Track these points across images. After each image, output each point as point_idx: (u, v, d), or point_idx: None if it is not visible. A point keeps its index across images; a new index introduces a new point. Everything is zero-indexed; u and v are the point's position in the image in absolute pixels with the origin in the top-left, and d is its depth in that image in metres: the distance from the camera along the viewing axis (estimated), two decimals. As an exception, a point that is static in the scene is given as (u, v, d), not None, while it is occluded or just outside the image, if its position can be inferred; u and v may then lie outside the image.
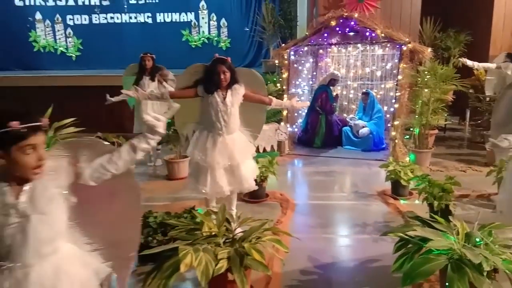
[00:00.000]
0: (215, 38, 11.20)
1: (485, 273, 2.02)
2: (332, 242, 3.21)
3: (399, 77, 5.09)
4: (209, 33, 11.24)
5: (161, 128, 1.73)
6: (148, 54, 5.39)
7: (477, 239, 2.26)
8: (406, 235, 2.32)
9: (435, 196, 3.12)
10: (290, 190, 4.41)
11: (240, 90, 2.96)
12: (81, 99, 7.17)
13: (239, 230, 2.52)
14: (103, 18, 11.29)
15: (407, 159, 4.90)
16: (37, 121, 1.39)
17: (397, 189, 3.91)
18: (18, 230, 1.39)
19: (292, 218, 3.58)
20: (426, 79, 4.86)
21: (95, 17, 11.27)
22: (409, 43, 4.95)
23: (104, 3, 11.19)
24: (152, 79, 5.28)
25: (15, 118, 1.33)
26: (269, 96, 3.22)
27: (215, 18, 11.18)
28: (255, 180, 3.64)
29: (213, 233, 2.39)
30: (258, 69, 8.38)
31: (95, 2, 11.19)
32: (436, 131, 5.74)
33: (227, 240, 2.40)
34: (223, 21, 11.16)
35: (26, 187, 1.42)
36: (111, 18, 11.25)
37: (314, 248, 3.02)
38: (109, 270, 1.69)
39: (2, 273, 1.40)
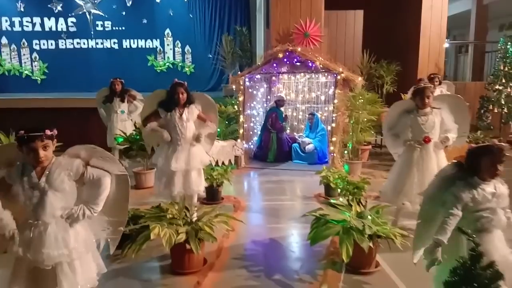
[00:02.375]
0: (180, 64, 12.17)
1: (366, 235, 3.00)
2: (272, 229, 4.12)
3: (335, 101, 6.22)
4: (174, 59, 12.20)
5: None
6: (118, 79, 6.26)
7: (368, 216, 3.27)
8: (319, 214, 3.29)
9: (350, 191, 4.14)
10: (244, 195, 5.34)
11: (194, 109, 3.88)
12: (53, 120, 7.79)
13: (195, 216, 3.39)
14: (70, 43, 11.99)
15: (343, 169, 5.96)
16: (37, 133, 2.14)
17: (328, 191, 4.91)
18: (39, 199, 2.20)
19: (242, 214, 4.49)
20: (357, 103, 6.00)
21: (62, 42, 11.96)
22: (342, 73, 6.11)
23: (71, 29, 11.94)
24: (122, 100, 6.13)
25: (23, 129, 2.15)
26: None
27: (179, 45, 12.18)
28: (212, 185, 4.57)
29: (175, 217, 3.25)
30: (219, 93, 9.42)
31: (62, 28, 11.91)
32: (370, 146, 6.89)
33: (185, 223, 3.26)
34: (187, 47, 12.18)
35: (46, 172, 2.25)
36: (78, 43, 11.98)
37: (257, 233, 3.95)
38: (104, 235, 2.49)
39: (30, 226, 2.21)
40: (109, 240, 2.52)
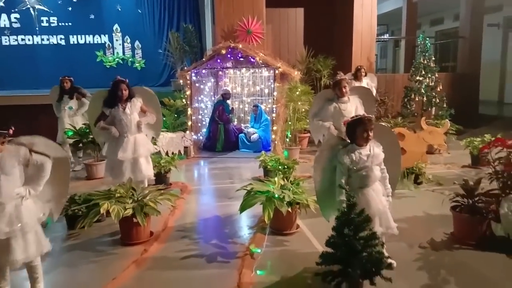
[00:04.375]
0: (130, 59, 12.44)
1: (285, 202, 3.70)
2: (214, 207, 4.76)
3: (275, 93, 6.94)
4: (123, 54, 12.44)
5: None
6: (66, 77, 6.61)
7: (289, 187, 3.98)
8: (249, 189, 3.96)
9: (281, 171, 4.86)
10: (191, 180, 5.95)
11: (137, 102, 4.42)
12: (0, 118, 7.97)
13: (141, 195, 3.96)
14: (14, 40, 11.92)
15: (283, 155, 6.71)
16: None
17: (267, 173, 5.60)
18: None
19: (188, 196, 5.09)
20: (294, 95, 6.75)
21: (5, 39, 11.86)
22: (279, 67, 6.83)
23: (15, 25, 11.87)
24: (71, 97, 6.50)
25: None
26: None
27: (129, 40, 12.45)
28: (160, 172, 5.14)
29: (123, 195, 3.80)
30: (169, 87, 9.89)
31: (5, 24, 11.81)
32: (308, 134, 7.70)
33: (133, 201, 3.81)
34: (137, 43, 12.47)
35: None
36: (22, 39, 11.94)
37: (199, 210, 4.60)
38: (49, 207, 2.96)
39: None
40: (52, 209, 2.92)
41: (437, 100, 7.94)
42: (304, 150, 7.40)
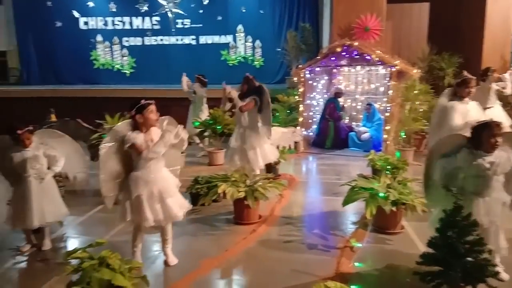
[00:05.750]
0: (250, 58, 13.28)
1: (389, 201, 3.73)
2: (319, 199, 4.99)
3: (390, 92, 6.81)
4: (245, 53, 13.35)
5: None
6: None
7: (395, 187, 3.99)
8: (353, 185, 4.09)
9: (389, 171, 4.84)
10: (299, 173, 6.27)
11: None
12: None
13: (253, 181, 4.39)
14: (154, 40, 13.72)
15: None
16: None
17: (375, 172, 5.58)
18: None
19: (294, 187, 5.41)
20: (410, 94, 6.54)
21: (147, 39, 13.73)
22: (397, 65, 6.67)
23: (155, 27, 13.66)
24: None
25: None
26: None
27: (250, 39, 13.29)
28: (270, 163, 5.54)
29: (237, 180, 4.27)
30: (284, 85, 10.33)
31: (147, 26, 13.67)
32: (426, 136, 7.32)
33: (245, 186, 4.26)
34: (257, 42, 13.24)
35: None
36: (161, 40, 13.67)
37: (305, 201, 4.88)
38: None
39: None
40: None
41: None
42: (419, 152, 7.10)
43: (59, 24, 13.86)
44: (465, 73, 4.65)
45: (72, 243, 3.82)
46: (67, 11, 13.76)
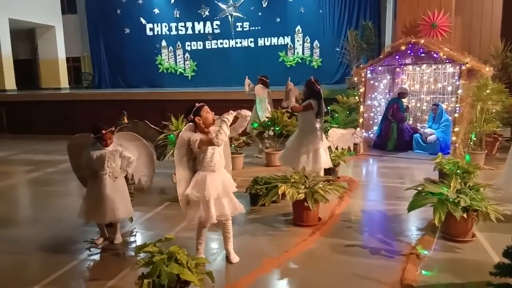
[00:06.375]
0: (308, 58, 13.22)
1: (460, 207, 3.52)
2: (380, 203, 4.82)
3: (459, 91, 6.42)
4: (302, 54, 13.31)
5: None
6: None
7: (466, 192, 3.75)
8: (420, 189, 3.91)
9: (459, 175, 4.56)
10: (359, 176, 6.10)
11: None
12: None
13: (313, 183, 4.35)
14: (214, 44, 14.14)
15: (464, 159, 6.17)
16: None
17: (442, 176, 5.28)
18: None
19: (354, 190, 5.28)
20: (483, 94, 6.12)
21: (208, 43, 14.17)
22: (467, 63, 6.27)
23: (216, 31, 14.06)
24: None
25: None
26: None
27: (309, 40, 13.23)
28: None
29: (297, 181, 4.26)
30: (343, 85, 10.14)
31: (208, 31, 14.11)
32: (499, 139, 6.81)
33: (305, 187, 4.24)
34: (316, 42, 13.15)
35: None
36: (221, 43, 14.06)
37: (366, 204, 4.75)
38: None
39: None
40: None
41: None
42: (492, 156, 6.61)
43: (127, 30, 14.76)
44: None
45: (141, 238, 4.04)
46: (135, 18, 14.62)
